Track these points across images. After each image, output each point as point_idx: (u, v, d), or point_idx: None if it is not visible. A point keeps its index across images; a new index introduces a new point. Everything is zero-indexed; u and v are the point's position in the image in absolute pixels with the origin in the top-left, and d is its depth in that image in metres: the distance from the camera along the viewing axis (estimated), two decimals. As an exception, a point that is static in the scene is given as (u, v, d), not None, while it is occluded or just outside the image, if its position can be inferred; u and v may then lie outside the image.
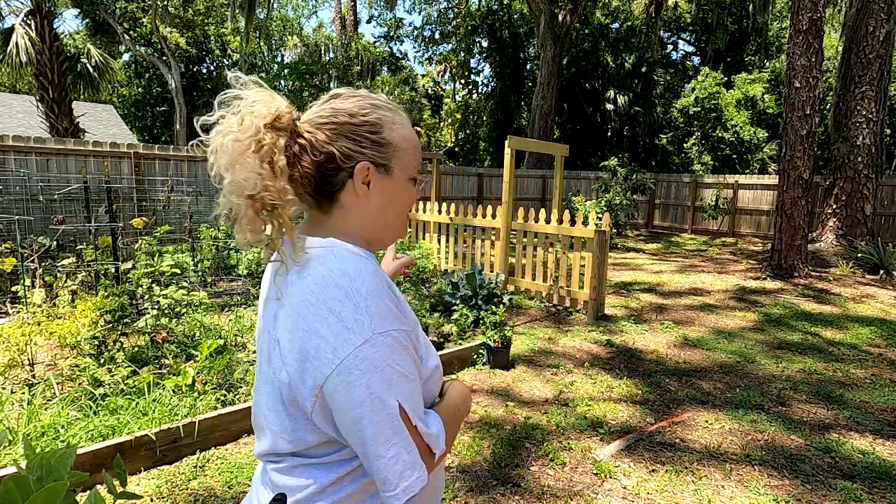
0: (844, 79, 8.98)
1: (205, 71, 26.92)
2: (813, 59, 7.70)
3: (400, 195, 0.89)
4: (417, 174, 0.91)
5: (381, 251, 0.97)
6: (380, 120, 0.86)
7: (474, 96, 28.71)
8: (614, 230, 12.11)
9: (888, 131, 16.62)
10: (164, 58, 22.49)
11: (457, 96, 30.02)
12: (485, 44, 24.81)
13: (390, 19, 31.18)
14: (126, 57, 25.80)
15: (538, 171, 17.21)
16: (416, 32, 30.50)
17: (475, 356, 4.25)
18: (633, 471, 2.75)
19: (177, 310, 3.80)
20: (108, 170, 5.03)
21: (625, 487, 2.60)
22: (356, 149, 0.83)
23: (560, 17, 18.41)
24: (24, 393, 2.88)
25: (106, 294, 3.68)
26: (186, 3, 23.67)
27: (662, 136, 20.56)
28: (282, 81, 15.40)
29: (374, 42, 29.31)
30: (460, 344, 4.42)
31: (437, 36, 29.32)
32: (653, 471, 2.75)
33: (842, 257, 8.52)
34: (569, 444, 2.99)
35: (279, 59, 30.86)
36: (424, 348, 0.87)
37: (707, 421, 3.34)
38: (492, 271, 6.53)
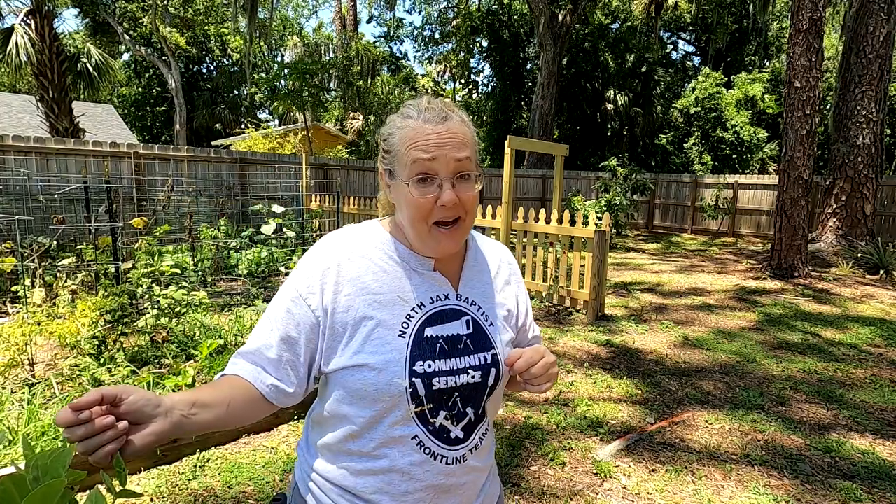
0: (844, 79, 8.98)
1: (205, 71, 26.92)
2: (813, 59, 7.70)
3: (406, 198, 0.87)
4: (415, 174, 0.85)
5: (432, 257, 0.93)
6: (389, 127, 0.91)
7: (474, 96, 28.72)
8: (614, 230, 12.10)
9: (888, 131, 16.62)
10: (164, 58, 22.49)
11: (457, 96, 30.02)
12: (485, 44, 24.80)
13: (390, 19, 31.22)
14: (126, 57, 25.81)
15: (538, 171, 17.22)
16: (416, 32, 30.55)
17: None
18: (633, 471, 2.75)
19: (177, 310, 3.79)
20: (108, 170, 5.02)
21: (625, 487, 2.60)
22: (381, 159, 0.93)
23: (560, 17, 18.41)
24: (24, 393, 2.87)
25: (106, 294, 3.68)
26: (186, 3, 23.67)
27: (662, 136, 20.56)
28: (282, 81, 15.40)
29: (374, 42, 29.31)
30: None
31: (437, 36, 29.33)
32: (653, 471, 2.75)
33: (842, 257, 8.51)
34: (569, 443, 2.99)
35: (279, 59, 30.88)
36: (360, 342, 0.86)
37: (707, 421, 3.34)
38: (492, 271, 6.51)
